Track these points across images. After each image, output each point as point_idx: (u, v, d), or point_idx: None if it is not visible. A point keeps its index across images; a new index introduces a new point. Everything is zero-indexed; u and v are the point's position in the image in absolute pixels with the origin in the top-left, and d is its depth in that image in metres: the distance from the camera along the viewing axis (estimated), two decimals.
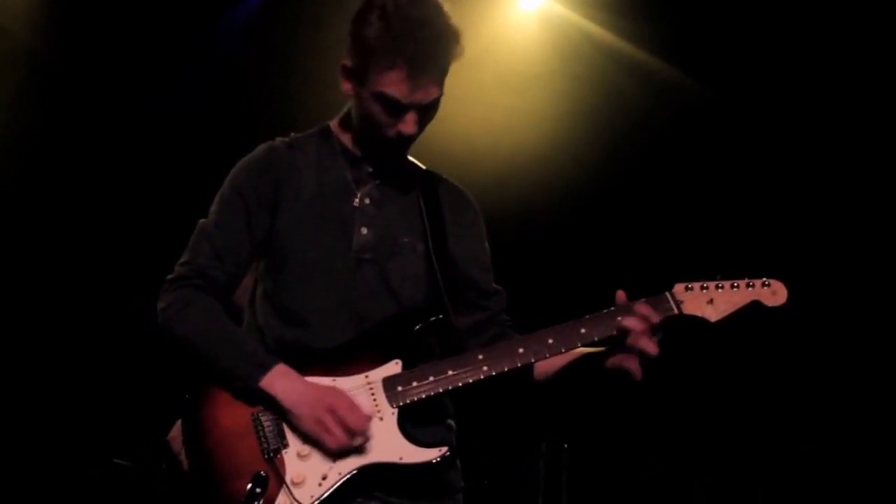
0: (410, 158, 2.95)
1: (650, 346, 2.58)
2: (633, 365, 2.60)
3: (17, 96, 6.24)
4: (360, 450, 2.59)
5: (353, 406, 2.60)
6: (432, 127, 2.79)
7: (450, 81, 2.73)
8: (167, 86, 6.42)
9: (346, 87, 2.74)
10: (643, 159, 6.57)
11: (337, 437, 2.56)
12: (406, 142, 2.76)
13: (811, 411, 6.59)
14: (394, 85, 2.62)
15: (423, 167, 2.96)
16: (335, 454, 2.58)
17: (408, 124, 2.68)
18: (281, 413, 2.62)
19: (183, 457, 4.31)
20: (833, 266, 6.22)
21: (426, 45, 2.61)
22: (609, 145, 6.54)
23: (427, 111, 2.71)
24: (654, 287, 2.69)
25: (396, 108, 2.66)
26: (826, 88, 6.03)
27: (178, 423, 4.42)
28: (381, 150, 2.79)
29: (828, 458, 6.41)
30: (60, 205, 6.59)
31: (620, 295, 2.65)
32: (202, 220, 2.82)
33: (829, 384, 6.51)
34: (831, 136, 6.19)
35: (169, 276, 2.78)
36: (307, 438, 2.60)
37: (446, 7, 2.70)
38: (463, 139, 6.18)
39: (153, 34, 6.13)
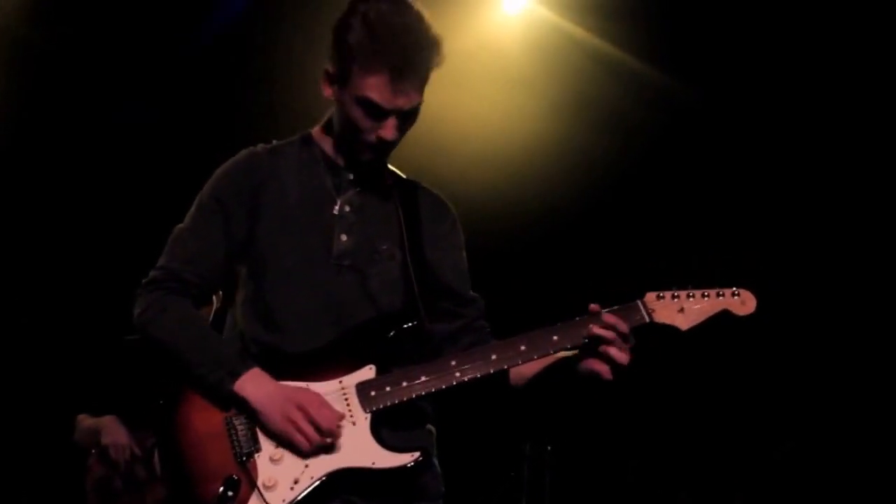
0: (391, 167, 2.98)
1: (620, 356, 2.61)
2: (603, 370, 2.63)
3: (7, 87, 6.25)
4: (331, 453, 2.62)
5: (324, 404, 2.63)
6: (413, 131, 2.82)
7: (432, 85, 2.77)
8: (150, 89, 6.42)
9: (328, 92, 2.79)
10: (626, 163, 6.58)
11: (307, 435, 2.59)
12: (385, 147, 2.78)
13: (789, 416, 6.63)
14: (376, 90, 2.66)
15: (404, 176, 2.99)
16: (307, 455, 2.61)
17: (388, 129, 2.72)
18: (252, 415, 2.65)
19: (91, 461, 4.37)
20: (809, 275, 6.25)
21: (409, 52, 2.66)
22: (591, 148, 6.54)
23: (407, 118, 2.75)
24: (629, 294, 2.71)
25: (378, 113, 2.70)
26: (813, 93, 6.04)
27: (81, 422, 4.49)
28: (361, 154, 2.81)
29: (804, 464, 6.44)
30: (53, 188, 6.62)
31: (593, 308, 2.67)
32: (178, 226, 2.86)
33: (807, 389, 6.55)
34: (816, 142, 6.21)
35: (144, 280, 2.81)
36: (279, 440, 2.63)
37: (427, 16, 2.74)
38: (442, 143, 6.17)
39: (133, 36, 6.13)
